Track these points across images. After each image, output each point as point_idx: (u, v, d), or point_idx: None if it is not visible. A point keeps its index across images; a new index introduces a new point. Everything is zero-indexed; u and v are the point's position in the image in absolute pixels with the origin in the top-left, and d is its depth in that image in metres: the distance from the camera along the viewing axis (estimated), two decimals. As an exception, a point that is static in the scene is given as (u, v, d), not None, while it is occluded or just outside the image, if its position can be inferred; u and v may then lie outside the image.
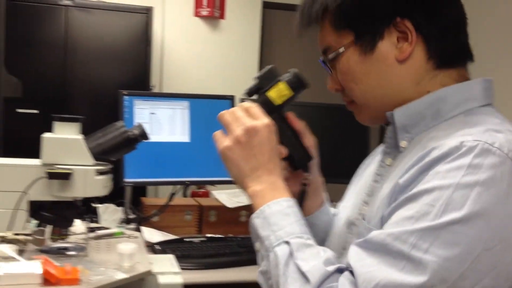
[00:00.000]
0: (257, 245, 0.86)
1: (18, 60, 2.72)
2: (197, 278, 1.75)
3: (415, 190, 0.76)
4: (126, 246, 1.23)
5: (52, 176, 1.22)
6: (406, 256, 0.72)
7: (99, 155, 1.29)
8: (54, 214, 1.29)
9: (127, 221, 2.17)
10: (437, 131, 0.84)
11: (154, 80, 3.29)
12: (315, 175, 1.07)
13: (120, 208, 2.12)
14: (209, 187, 3.00)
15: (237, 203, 2.32)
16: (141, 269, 1.22)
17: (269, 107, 0.93)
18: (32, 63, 2.91)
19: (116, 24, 3.07)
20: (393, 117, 0.89)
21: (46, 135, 1.29)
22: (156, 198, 2.92)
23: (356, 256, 0.78)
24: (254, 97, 0.97)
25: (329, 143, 2.42)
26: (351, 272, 0.76)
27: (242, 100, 2.55)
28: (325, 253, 0.81)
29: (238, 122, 0.91)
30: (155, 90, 3.33)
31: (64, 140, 1.27)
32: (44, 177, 1.23)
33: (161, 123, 2.12)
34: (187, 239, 2.06)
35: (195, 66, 3.54)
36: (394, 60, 0.87)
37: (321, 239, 1.06)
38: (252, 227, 0.87)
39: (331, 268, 0.77)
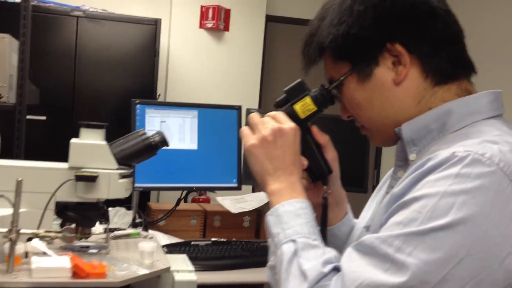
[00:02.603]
0: (269, 241, 0.93)
1: (30, 68, 2.82)
2: (203, 279, 1.83)
3: (406, 198, 0.81)
4: (146, 244, 1.32)
5: (80, 178, 1.32)
6: (390, 258, 0.77)
7: (121, 160, 1.39)
8: (78, 214, 1.38)
9: (134, 224, 2.26)
10: (440, 144, 0.88)
11: (160, 89, 3.39)
12: (336, 188, 1.14)
13: (130, 212, 2.22)
14: (209, 194, 3.09)
15: (241, 209, 2.41)
16: (161, 265, 1.31)
17: (294, 120, 0.99)
18: (43, 71, 3.00)
19: (125, 35, 3.18)
20: (401, 132, 0.94)
21: (74, 140, 1.38)
22: (160, 203, 3.01)
23: (346, 257, 0.83)
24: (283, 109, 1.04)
25: None
26: (339, 270, 0.83)
27: (248, 111, 2.65)
28: (327, 254, 0.86)
29: (266, 124, 0.98)
30: (160, 99, 3.43)
31: (90, 146, 1.37)
32: (72, 179, 1.33)
33: (171, 131, 2.23)
34: (193, 243, 2.15)
35: (200, 76, 3.65)
36: (392, 83, 0.92)
37: (341, 249, 1.13)
38: (266, 224, 0.94)
39: (328, 267, 0.83)
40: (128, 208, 2.31)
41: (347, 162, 2.50)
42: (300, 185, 0.97)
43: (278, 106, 1.02)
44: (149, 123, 2.21)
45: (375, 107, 0.95)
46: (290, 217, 0.91)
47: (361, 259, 0.81)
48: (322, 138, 1.05)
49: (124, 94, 3.17)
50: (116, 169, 1.37)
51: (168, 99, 3.52)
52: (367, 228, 0.99)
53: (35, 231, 1.22)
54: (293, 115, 0.99)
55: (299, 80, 1.02)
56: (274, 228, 0.91)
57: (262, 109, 3.28)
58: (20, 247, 1.20)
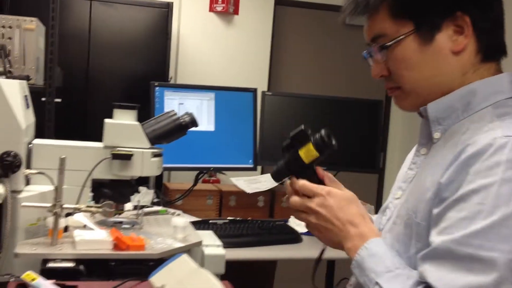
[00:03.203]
0: None
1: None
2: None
3: (461, 191, 0.83)
4: (179, 220, 1.39)
5: (116, 156, 1.38)
6: (474, 258, 0.79)
7: (153, 139, 1.45)
8: (113, 191, 1.44)
9: (152, 203, 2.32)
10: (469, 124, 0.92)
11: (170, 72, 3.43)
12: None
13: (151, 191, 2.28)
14: (219, 176, 3.16)
15: (256, 189, 2.47)
16: (193, 240, 1.37)
17: (299, 165, 1.03)
18: (58, 55, 3.03)
19: (137, 18, 3.21)
20: (426, 111, 0.97)
21: (108, 121, 1.44)
22: (176, 183, 3.07)
23: (427, 270, 0.84)
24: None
25: (340, 134, 2.67)
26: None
27: (263, 93, 2.69)
28: (412, 277, 0.88)
29: (304, 205, 1.02)
30: (171, 82, 3.48)
31: (124, 126, 1.43)
32: (109, 157, 1.39)
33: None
34: (211, 221, 2.21)
35: (209, 59, 3.69)
36: (448, 51, 0.93)
37: None
38: (355, 276, 0.96)
39: None
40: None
41: (358, 144, 2.59)
42: (366, 229, 0.98)
43: (284, 150, 1.06)
44: (168, 105, 2.27)
45: (426, 71, 0.95)
46: (368, 261, 0.93)
47: (443, 266, 0.82)
48: (327, 179, 1.06)
49: (137, 77, 3.21)
50: (149, 148, 1.44)
51: (179, 82, 3.56)
52: (405, 211, 0.98)
53: (76, 206, 1.28)
54: (298, 161, 1.03)
55: (301, 127, 1.05)
56: (360, 278, 0.94)
57: (271, 91, 3.33)
58: (62, 221, 1.26)
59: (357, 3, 0.99)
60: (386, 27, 0.96)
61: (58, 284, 0.87)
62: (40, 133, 1.57)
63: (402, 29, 0.95)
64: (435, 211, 0.87)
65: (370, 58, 1.03)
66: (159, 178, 2.94)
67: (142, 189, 2.20)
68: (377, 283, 0.89)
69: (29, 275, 0.82)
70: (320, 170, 1.06)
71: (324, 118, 2.48)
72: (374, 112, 2.58)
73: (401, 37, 0.95)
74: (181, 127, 1.47)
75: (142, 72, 3.22)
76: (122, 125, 1.43)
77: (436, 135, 0.98)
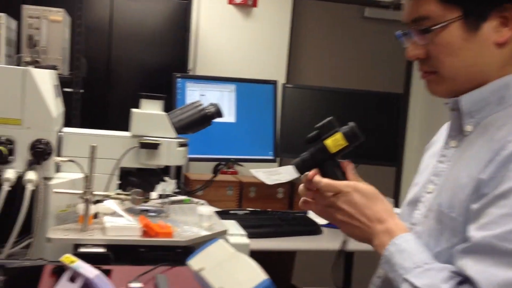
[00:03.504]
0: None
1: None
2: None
3: (503, 188, 0.84)
4: (205, 209, 1.41)
5: (144, 146, 1.41)
6: None
7: (179, 129, 1.47)
8: (140, 180, 1.47)
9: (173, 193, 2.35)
10: (505, 118, 0.92)
11: (189, 64, 3.45)
12: None
13: (173, 181, 2.30)
14: (236, 167, 3.18)
15: (276, 181, 2.49)
16: (218, 228, 1.40)
17: (324, 154, 1.02)
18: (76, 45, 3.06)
19: (157, 10, 3.23)
20: (458, 103, 0.97)
21: (135, 110, 1.47)
22: (194, 173, 3.10)
23: (469, 264, 0.85)
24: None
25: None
26: (469, 282, 0.84)
27: (284, 86, 2.69)
28: (442, 272, 0.87)
29: (329, 201, 1.01)
30: (190, 73, 3.50)
31: (151, 116, 1.45)
32: (136, 146, 1.41)
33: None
34: (231, 212, 2.23)
35: (227, 52, 3.70)
36: (492, 42, 0.93)
37: None
38: (385, 272, 0.96)
39: (451, 283, 0.85)
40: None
41: (378, 137, 2.59)
42: (393, 224, 0.97)
43: (309, 142, 1.05)
44: (189, 96, 2.29)
45: (467, 59, 0.95)
46: (397, 257, 0.93)
47: (483, 261, 0.83)
48: (350, 172, 1.04)
49: (156, 68, 3.23)
50: (175, 138, 1.46)
51: (197, 74, 3.58)
52: (439, 203, 0.97)
53: (106, 193, 1.31)
54: (324, 150, 1.02)
55: (330, 117, 1.05)
56: (390, 274, 0.94)
57: (291, 83, 3.34)
58: (92, 208, 1.29)
59: None
60: (432, 10, 0.95)
61: (97, 267, 0.90)
62: (66, 122, 1.60)
63: (449, 14, 0.94)
64: (475, 206, 0.88)
65: (406, 38, 1.02)
66: (178, 169, 2.97)
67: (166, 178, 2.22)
68: (405, 280, 0.89)
69: (68, 258, 0.85)
70: (344, 163, 1.04)
71: (344, 110, 2.48)
72: (394, 105, 2.58)
73: (448, 22, 0.94)
74: (207, 118, 1.49)
75: (162, 64, 3.24)
76: (149, 114, 1.46)
77: (468, 128, 0.98)
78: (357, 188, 0.99)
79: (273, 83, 2.44)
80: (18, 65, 1.73)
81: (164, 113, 1.47)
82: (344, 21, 3.79)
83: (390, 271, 0.93)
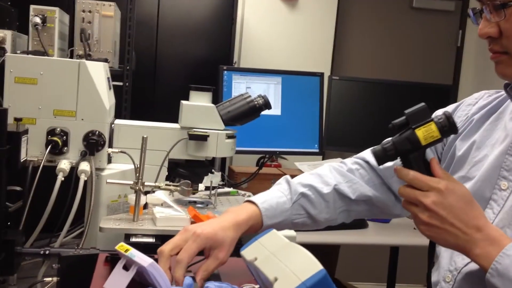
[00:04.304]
0: None
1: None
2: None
3: None
4: (252, 200, 1.41)
5: (193, 137, 1.42)
6: None
7: (227, 121, 1.48)
8: (188, 171, 1.49)
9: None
10: None
11: (235, 57, 3.46)
12: None
13: (218, 173, 2.32)
14: (280, 161, 3.17)
15: (321, 174, 2.47)
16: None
17: (413, 145, 0.91)
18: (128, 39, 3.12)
19: (203, 4, 3.26)
20: None
21: (185, 102, 1.48)
22: (238, 166, 3.12)
23: None
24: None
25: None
26: None
27: (330, 78, 2.65)
28: None
29: (418, 199, 0.89)
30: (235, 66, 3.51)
31: (200, 107, 1.47)
32: (185, 138, 1.43)
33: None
34: (276, 204, 2.23)
35: (273, 44, 3.69)
36: None
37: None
38: (491, 286, 0.85)
39: None
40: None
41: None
42: (493, 230, 0.88)
43: (395, 129, 0.93)
44: (236, 88, 2.29)
45: None
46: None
47: None
48: (439, 169, 0.92)
49: (202, 61, 3.27)
50: (223, 129, 1.47)
51: (242, 66, 3.59)
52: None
53: (156, 184, 1.33)
54: (413, 140, 0.91)
55: (423, 104, 0.92)
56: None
57: (335, 75, 3.31)
58: (142, 198, 1.31)
59: None
60: None
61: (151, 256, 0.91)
62: (117, 115, 1.63)
63: None
64: None
65: (479, 15, 0.97)
66: (222, 161, 2.99)
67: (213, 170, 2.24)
68: None
69: (123, 246, 0.86)
70: (435, 162, 0.92)
71: (391, 103, 2.44)
72: (443, 97, 2.52)
73: None
74: (255, 109, 1.49)
75: (208, 57, 3.27)
76: (198, 106, 1.47)
77: None
78: (451, 188, 0.88)
79: (319, 75, 2.42)
80: (71, 58, 1.77)
81: (212, 105, 1.47)
82: (391, 11, 3.72)
83: (505, 285, 0.83)
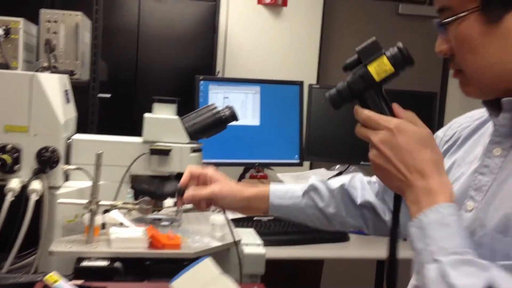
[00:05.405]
0: (413, 255, 0.80)
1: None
2: (266, 254, 1.84)
3: None
4: (218, 217, 1.34)
5: (154, 152, 1.35)
6: None
7: (193, 134, 1.41)
8: (152, 187, 1.42)
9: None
10: None
11: (218, 66, 3.41)
12: None
13: (195, 186, 2.25)
14: (267, 171, 3.11)
15: (302, 185, 2.40)
16: (231, 238, 1.33)
17: (367, 82, 0.86)
18: (107, 49, 3.06)
19: (185, 12, 3.20)
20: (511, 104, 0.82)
21: (147, 115, 1.41)
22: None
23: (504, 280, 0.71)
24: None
25: None
26: None
27: (310, 86, 2.61)
28: (486, 270, 0.72)
29: (366, 136, 0.85)
30: (219, 75, 3.46)
31: (163, 120, 1.40)
32: (147, 153, 1.36)
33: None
34: (256, 218, 2.16)
35: (258, 53, 3.64)
36: None
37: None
38: (409, 236, 0.80)
39: None
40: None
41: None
42: (437, 182, 0.80)
43: (348, 68, 0.88)
44: (212, 99, 2.23)
45: (491, 56, 0.83)
46: (435, 228, 0.77)
47: None
48: (399, 109, 0.86)
49: (185, 71, 3.21)
50: (188, 143, 1.40)
51: (227, 76, 3.53)
52: (480, 222, 0.84)
53: (112, 202, 1.25)
54: (366, 77, 0.85)
55: (373, 38, 0.87)
56: (417, 242, 0.78)
57: (321, 84, 3.25)
58: (98, 218, 1.24)
59: None
60: (451, 0, 0.84)
61: (86, 286, 0.85)
62: (83, 128, 1.57)
63: (467, 4, 0.82)
64: None
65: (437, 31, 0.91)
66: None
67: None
68: (436, 260, 0.74)
69: (52, 277, 0.80)
70: (396, 106, 0.86)
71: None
72: (430, 104, 2.46)
73: (465, 13, 0.82)
74: (221, 121, 1.42)
75: (190, 66, 3.21)
76: (161, 119, 1.40)
77: None
78: (402, 128, 0.81)
79: (299, 84, 2.36)
80: (37, 71, 1.70)
81: (176, 117, 1.41)
82: (377, 18, 3.67)
83: (419, 240, 0.77)
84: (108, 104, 3.00)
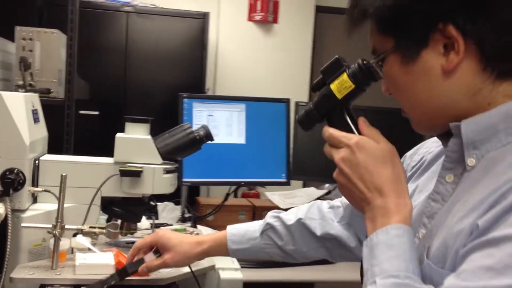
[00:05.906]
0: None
1: (82, 63, 2.86)
2: (251, 276, 1.78)
3: (496, 233, 0.66)
4: (191, 242, 1.29)
5: (124, 173, 1.30)
6: None
7: (166, 154, 1.36)
8: (124, 210, 1.36)
9: (183, 219, 2.24)
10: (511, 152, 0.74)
11: (208, 83, 3.37)
12: None
13: (178, 207, 2.20)
14: (259, 189, 3.05)
15: (290, 204, 2.35)
16: (205, 263, 1.27)
17: (330, 101, 0.85)
18: (94, 67, 3.03)
19: (174, 29, 3.18)
20: (460, 130, 0.78)
21: (119, 135, 1.37)
22: (209, 197, 2.99)
23: None
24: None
25: None
26: None
27: (297, 104, 2.56)
28: None
29: (330, 155, 0.84)
30: (209, 93, 3.42)
31: (135, 140, 1.35)
32: (117, 174, 1.31)
33: (219, 125, 2.19)
34: (241, 239, 2.10)
35: (248, 70, 3.61)
36: (441, 70, 0.77)
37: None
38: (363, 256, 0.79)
39: None
40: (177, 203, 2.29)
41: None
42: (394, 202, 0.78)
43: (315, 89, 0.88)
44: (197, 117, 2.18)
45: (420, 95, 0.80)
46: (381, 250, 0.75)
47: None
48: (364, 125, 0.85)
49: (174, 88, 3.17)
50: (161, 164, 1.35)
51: (217, 93, 3.50)
52: (427, 250, 0.79)
53: (79, 226, 1.20)
54: (329, 97, 0.84)
55: (336, 56, 0.86)
56: (365, 262, 0.77)
57: (307, 101, 3.22)
58: (65, 243, 1.19)
59: (347, 17, 0.86)
60: (376, 41, 0.83)
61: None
62: (58, 148, 1.52)
63: (386, 45, 0.80)
64: (461, 251, 0.70)
65: None
66: (194, 193, 2.87)
67: (169, 204, 2.12)
68: (374, 282, 0.72)
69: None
70: (362, 121, 0.85)
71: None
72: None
73: (384, 55, 0.81)
74: (195, 141, 1.37)
75: (180, 84, 3.18)
76: (133, 139, 1.36)
77: (471, 161, 0.78)
78: (361, 145, 0.80)
79: (286, 101, 2.31)
80: (12, 90, 1.66)
81: (148, 137, 1.36)
82: (369, 33, 3.65)
83: (367, 260, 0.76)
84: (96, 121, 2.96)
